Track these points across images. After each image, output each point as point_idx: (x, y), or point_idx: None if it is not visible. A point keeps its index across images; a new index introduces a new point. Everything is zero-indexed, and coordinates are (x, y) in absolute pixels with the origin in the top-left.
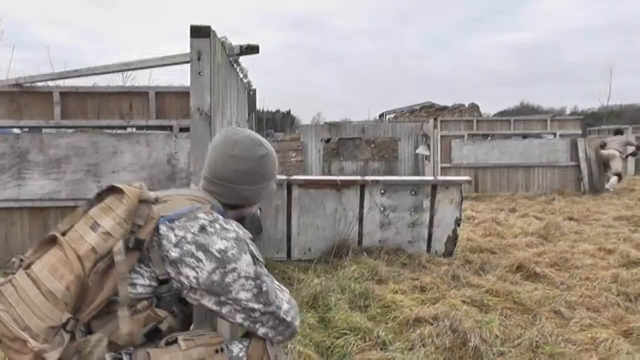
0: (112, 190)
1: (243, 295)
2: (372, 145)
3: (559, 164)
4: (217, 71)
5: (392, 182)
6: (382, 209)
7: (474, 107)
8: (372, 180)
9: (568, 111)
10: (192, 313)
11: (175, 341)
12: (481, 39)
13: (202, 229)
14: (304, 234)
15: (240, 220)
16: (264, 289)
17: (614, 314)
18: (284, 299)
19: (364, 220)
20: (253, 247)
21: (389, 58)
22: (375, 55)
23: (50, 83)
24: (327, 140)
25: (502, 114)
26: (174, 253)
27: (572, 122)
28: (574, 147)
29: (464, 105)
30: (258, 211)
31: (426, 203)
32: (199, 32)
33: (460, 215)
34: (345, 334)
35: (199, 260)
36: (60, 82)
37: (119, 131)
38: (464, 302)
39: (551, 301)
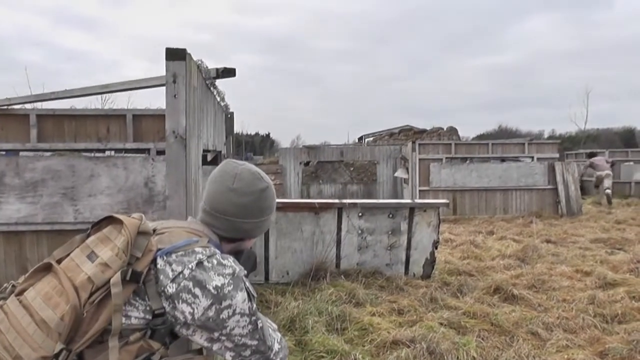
0: (111, 220)
1: (237, 331)
2: (352, 169)
3: (536, 187)
4: (193, 94)
5: (369, 205)
6: (359, 231)
7: (453, 131)
8: (349, 203)
9: (546, 135)
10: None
11: None
12: (460, 62)
13: (199, 264)
14: (282, 257)
15: (237, 254)
16: (259, 325)
17: (590, 335)
18: (276, 339)
19: (341, 243)
20: (248, 284)
21: (368, 80)
22: (354, 77)
23: (28, 105)
24: (307, 164)
25: (480, 137)
26: (171, 289)
27: (549, 145)
28: (551, 170)
29: (442, 129)
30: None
31: (404, 226)
32: (175, 55)
33: (438, 238)
34: (322, 357)
35: (195, 296)
36: (39, 105)
37: (97, 154)
38: (441, 324)
39: (528, 323)
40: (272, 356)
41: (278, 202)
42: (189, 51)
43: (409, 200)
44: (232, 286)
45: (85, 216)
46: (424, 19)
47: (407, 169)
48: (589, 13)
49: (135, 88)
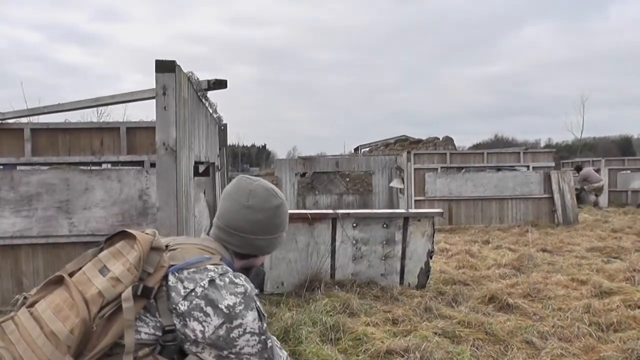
0: (124, 235)
1: (247, 350)
2: (347, 179)
3: (532, 196)
4: (183, 106)
5: (363, 215)
6: (354, 242)
7: (449, 141)
8: (343, 214)
9: (542, 144)
10: None
11: None
12: (456, 72)
13: (212, 282)
14: (277, 268)
15: (247, 270)
16: (269, 344)
17: (585, 344)
18: (282, 357)
19: (336, 253)
20: (259, 303)
21: (365, 91)
22: (350, 88)
23: (23, 119)
24: (303, 175)
25: (476, 147)
26: (183, 306)
27: (545, 154)
28: (547, 179)
29: (438, 139)
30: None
31: (398, 236)
32: (164, 67)
33: (433, 248)
34: None
35: (207, 315)
36: (34, 119)
37: (93, 167)
38: (435, 333)
39: (523, 332)
40: None
41: None
42: (181, 63)
43: (402, 210)
44: (243, 305)
45: (80, 229)
46: (420, 29)
47: (402, 179)
48: (584, 22)
49: (127, 101)
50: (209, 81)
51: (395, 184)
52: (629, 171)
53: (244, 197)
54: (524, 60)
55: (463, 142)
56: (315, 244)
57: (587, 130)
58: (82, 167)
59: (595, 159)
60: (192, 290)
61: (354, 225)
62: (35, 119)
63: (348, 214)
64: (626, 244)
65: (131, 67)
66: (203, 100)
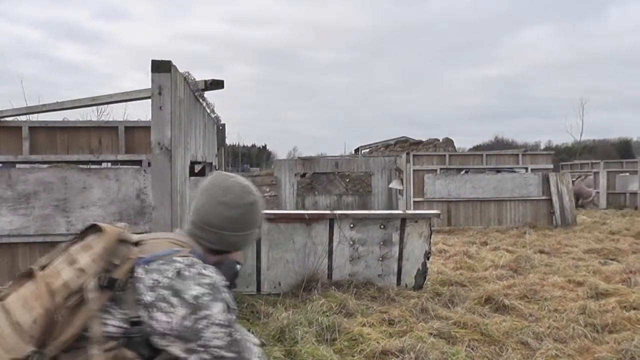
0: (95, 228)
1: (215, 343)
2: (347, 180)
3: (531, 198)
4: (179, 105)
5: (361, 216)
6: (351, 242)
7: (448, 142)
8: (341, 214)
9: (542, 146)
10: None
11: None
12: (457, 74)
13: (178, 273)
14: (274, 268)
15: (218, 264)
16: (237, 337)
17: (580, 345)
18: (255, 354)
19: (333, 254)
20: (227, 295)
21: (365, 92)
22: (351, 89)
23: (22, 117)
24: (303, 175)
25: (476, 148)
26: (148, 297)
27: (543, 156)
28: (545, 181)
29: (438, 140)
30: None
31: (395, 237)
32: (160, 67)
33: (430, 249)
34: None
35: (172, 305)
36: (33, 117)
37: (92, 166)
38: (431, 334)
39: (519, 332)
40: None
41: (269, 214)
42: (182, 62)
43: (400, 211)
44: (210, 296)
45: (77, 228)
46: (420, 31)
47: (401, 180)
48: (583, 25)
49: (124, 100)
50: (206, 81)
51: (395, 185)
52: (627, 174)
53: (219, 194)
54: (524, 62)
55: (463, 143)
56: (312, 244)
57: (586, 132)
58: (81, 166)
59: (594, 161)
60: (158, 281)
61: (352, 225)
62: (34, 117)
63: (345, 214)
64: (623, 246)
65: (132, 65)
66: (200, 100)
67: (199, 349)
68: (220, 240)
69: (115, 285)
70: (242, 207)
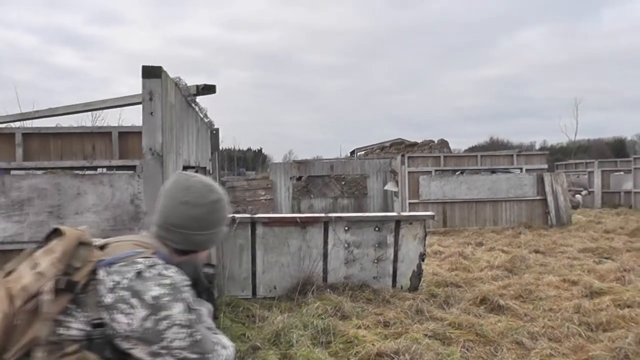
0: (58, 232)
1: (177, 344)
2: (343, 182)
3: (526, 198)
4: (170, 111)
5: (355, 219)
6: (346, 245)
7: (444, 143)
8: (335, 217)
9: (537, 146)
10: None
11: None
12: (452, 75)
13: (139, 274)
14: (269, 271)
15: (182, 264)
16: (197, 338)
17: (574, 344)
18: (222, 356)
19: (328, 257)
20: (188, 295)
21: (361, 95)
22: (346, 92)
23: (15, 124)
24: (298, 179)
25: (472, 149)
26: (108, 299)
27: (538, 156)
28: (540, 181)
29: (433, 142)
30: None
31: (390, 239)
32: (151, 73)
33: (425, 250)
34: None
35: (132, 306)
36: (27, 123)
37: (87, 172)
38: (426, 335)
39: (514, 332)
40: None
41: (264, 217)
42: (177, 67)
43: (394, 213)
44: (170, 297)
45: (94, 238)
46: (416, 33)
47: (397, 182)
48: (578, 26)
49: (117, 106)
50: (197, 86)
51: (390, 187)
52: (621, 173)
53: (181, 193)
54: (520, 62)
55: (459, 144)
56: (307, 247)
57: (581, 132)
58: (76, 172)
59: (588, 160)
60: (118, 282)
61: (346, 228)
62: (28, 123)
63: (340, 217)
64: (618, 245)
65: (127, 70)
66: (192, 105)
67: (161, 351)
68: (185, 240)
69: (75, 288)
70: (205, 206)
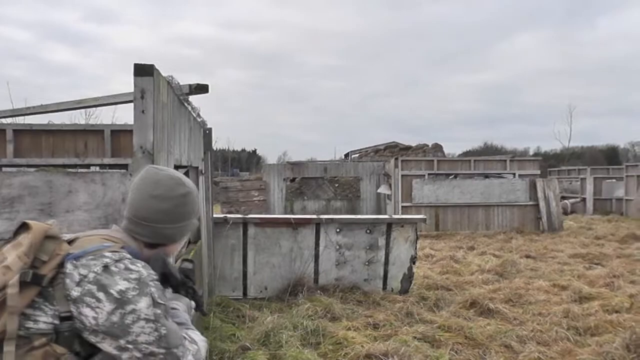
0: (27, 226)
1: (143, 338)
2: (336, 185)
3: (518, 203)
4: (162, 109)
5: (347, 221)
6: (337, 247)
7: (438, 148)
8: (327, 219)
9: (531, 152)
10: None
11: None
12: (448, 80)
13: (106, 268)
14: (260, 272)
15: (152, 258)
16: (163, 332)
17: (562, 348)
18: (190, 351)
19: (319, 258)
20: (154, 289)
21: (356, 97)
22: (342, 94)
23: (6, 120)
24: (292, 180)
25: (466, 154)
26: (75, 292)
27: (531, 162)
28: (533, 187)
29: (427, 146)
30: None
31: (381, 241)
32: (142, 71)
33: (416, 253)
34: None
35: (99, 300)
36: (20, 119)
37: (73, 170)
38: (415, 338)
39: (503, 336)
40: None
41: (256, 218)
42: (171, 66)
43: (386, 216)
44: (136, 291)
45: (62, 232)
46: (412, 36)
47: (390, 185)
48: (573, 33)
49: (109, 104)
50: (190, 85)
51: (383, 190)
52: (614, 180)
53: (150, 187)
54: (515, 68)
55: (453, 149)
56: (299, 249)
57: (574, 139)
58: (69, 170)
59: (581, 167)
60: (85, 276)
61: (338, 230)
62: (20, 120)
63: (332, 219)
64: (608, 251)
65: (123, 69)
66: (185, 104)
67: (128, 345)
68: (155, 233)
69: (42, 281)
70: (173, 199)
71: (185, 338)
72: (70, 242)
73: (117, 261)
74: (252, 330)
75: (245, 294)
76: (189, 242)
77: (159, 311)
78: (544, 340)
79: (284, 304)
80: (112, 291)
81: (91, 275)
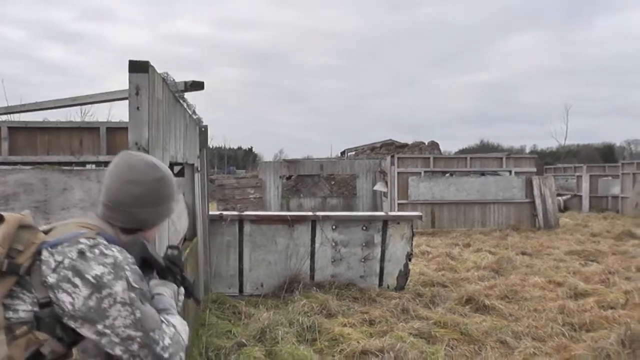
0: (1, 218)
1: (120, 322)
2: (332, 182)
3: (514, 201)
4: (157, 106)
5: (343, 218)
6: (333, 244)
7: (434, 145)
8: (323, 216)
9: (527, 150)
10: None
11: None
12: (445, 79)
13: (81, 254)
14: (256, 269)
15: (129, 243)
16: (138, 315)
17: (558, 343)
18: (167, 334)
19: (315, 255)
20: (130, 273)
21: (353, 96)
22: (339, 93)
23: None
24: (288, 178)
25: (462, 152)
26: (52, 278)
27: (527, 160)
28: (529, 184)
29: (423, 143)
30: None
31: (377, 238)
32: (137, 67)
33: (412, 250)
34: None
35: (75, 286)
36: (15, 117)
37: (76, 168)
38: (411, 334)
39: (498, 332)
40: (158, 350)
41: (251, 215)
42: (166, 65)
43: (382, 213)
44: (112, 275)
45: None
46: (409, 36)
47: (386, 182)
48: (570, 32)
49: (104, 101)
50: (185, 82)
51: (379, 187)
52: (609, 177)
53: (125, 172)
54: (512, 68)
55: (449, 147)
56: (295, 245)
57: (570, 137)
58: (64, 167)
59: (577, 165)
60: (61, 262)
61: (334, 227)
62: (15, 117)
63: (328, 216)
64: (604, 248)
65: (118, 67)
66: (180, 101)
67: (106, 330)
68: (130, 218)
69: (18, 270)
70: (148, 184)
71: (163, 322)
72: (47, 232)
73: (92, 247)
74: (248, 326)
75: (241, 290)
76: (185, 239)
77: (133, 295)
78: (540, 336)
79: (280, 300)
80: (87, 276)
81: (67, 261)
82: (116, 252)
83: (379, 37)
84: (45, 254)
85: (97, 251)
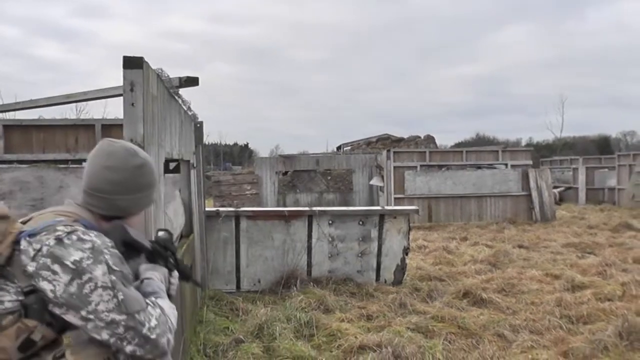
0: None
1: (103, 307)
2: (328, 177)
3: (510, 194)
4: (152, 102)
5: (339, 213)
6: (330, 239)
7: (430, 139)
8: (319, 211)
9: (523, 142)
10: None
11: (63, 356)
12: (439, 72)
13: (59, 241)
14: (253, 265)
15: (109, 230)
16: (120, 298)
17: (555, 336)
18: (153, 315)
19: (312, 250)
20: (109, 256)
21: (347, 90)
22: (333, 88)
23: None
24: (285, 173)
25: (458, 145)
26: (31, 267)
27: (523, 153)
28: (525, 177)
29: (419, 137)
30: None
31: (374, 233)
32: (132, 63)
33: (409, 244)
34: None
35: (54, 272)
36: (10, 115)
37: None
38: (409, 328)
39: (495, 325)
40: (144, 331)
41: (248, 211)
42: (161, 61)
43: (378, 207)
44: (91, 259)
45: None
46: (403, 28)
47: (382, 177)
48: (563, 24)
49: (98, 98)
50: (180, 78)
51: (375, 182)
52: (606, 169)
53: (104, 159)
54: (506, 60)
55: (445, 140)
56: (291, 241)
57: (566, 129)
58: (60, 165)
59: (573, 157)
60: (39, 250)
61: (330, 222)
62: (10, 115)
63: (324, 211)
64: (601, 240)
65: (112, 64)
66: (175, 97)
67: (90, 316)
68: (109, 205)
69: None
70: (127, 171)
71: (148, 304)
72: (25, 222)
73: (69, 233)
74: (245, 323)
75: (238, 287)
76: (182, 236)
77: (114, 278)
78: (537, 329)
79: (277, 296)
80: (67, 262)
81: (45, 249)
82: (94, 237)
83: (370, 30)
84: (23, 244)
85: (74, 237)
